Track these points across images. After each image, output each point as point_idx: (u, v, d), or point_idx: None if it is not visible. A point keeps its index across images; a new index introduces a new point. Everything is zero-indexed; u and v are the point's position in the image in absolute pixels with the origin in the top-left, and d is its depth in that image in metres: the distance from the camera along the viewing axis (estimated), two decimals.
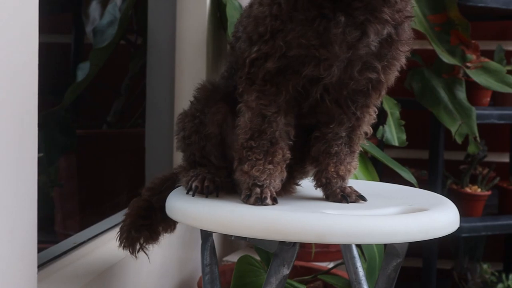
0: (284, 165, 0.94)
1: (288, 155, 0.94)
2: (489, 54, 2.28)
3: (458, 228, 1.92)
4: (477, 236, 2.24)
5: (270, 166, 0.92)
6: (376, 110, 1.01)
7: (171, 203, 0.97)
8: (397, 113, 1.80)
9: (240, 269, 1.32)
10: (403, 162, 2.43)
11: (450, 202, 1.02)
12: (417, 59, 2.00)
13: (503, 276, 2.12)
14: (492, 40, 2.54)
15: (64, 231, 1.95)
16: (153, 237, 1.14)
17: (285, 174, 0.95)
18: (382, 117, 1.88)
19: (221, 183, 0.98)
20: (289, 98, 0.92)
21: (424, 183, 2.05)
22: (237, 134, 0.94)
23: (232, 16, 1.76)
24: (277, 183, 0.94)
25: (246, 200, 0.91)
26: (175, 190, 1.05)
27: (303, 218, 0.85)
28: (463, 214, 2.06)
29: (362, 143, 1.04)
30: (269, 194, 0.91)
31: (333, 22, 0.87)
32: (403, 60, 0.94)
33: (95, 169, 1.99)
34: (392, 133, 1.75)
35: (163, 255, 1.43)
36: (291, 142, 0.95)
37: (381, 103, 1.81)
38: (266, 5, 0.91)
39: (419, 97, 1.92)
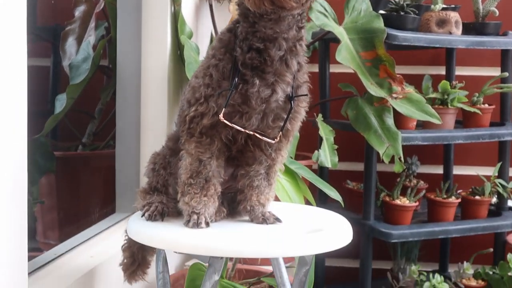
0: (216, 197, 1.23)
1: (219, 189, 1.23)
2: (420, 79, 2.61)
3: (389, 234, 2.23)
4: (411, 241, 2.56)
5: (205, 198, 1.21)
6: (287, 152, 1.32)
7: (131, 226, 1.26)
8: (331, 139, 2.10)
9: (192, 274, 1.61)
10: (346, 174, 2.77)
11: (346, 222, 1.32)
12: (352, 89, 2.31)
13: (430, 275, 2.43)
14: (424, 65, 2.88)
15: (45, 240, 2.26)
16: (145, 265, 1.47)
17: (217, 203, 1.24)
18: (318, 142, 2.19)
19: (170, 211, 1.27)
20: (220, 146, 1.21)
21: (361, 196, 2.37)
22: (180, 174, 1.24)
23: (190, 56, 2.04)
24: (210, 211, 1.22)
25: (186, 225, 1.20)
26: (134, 214, 1.34)
27: (214, 237, 1.15)
28: (395, 222, 2.38)
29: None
30: (203, 220, 1.20)
31: (250, 85, 1.17)
32: (303, 113, 1.25)
33: (72, 188, 2.28)
34: (326, 156, 2.05)
35: None
36: (221, 179, 1.24)
37: (318, 129, 2.13)
38: (200, 77, 1.20)
39: (353, 122, 2.21)
